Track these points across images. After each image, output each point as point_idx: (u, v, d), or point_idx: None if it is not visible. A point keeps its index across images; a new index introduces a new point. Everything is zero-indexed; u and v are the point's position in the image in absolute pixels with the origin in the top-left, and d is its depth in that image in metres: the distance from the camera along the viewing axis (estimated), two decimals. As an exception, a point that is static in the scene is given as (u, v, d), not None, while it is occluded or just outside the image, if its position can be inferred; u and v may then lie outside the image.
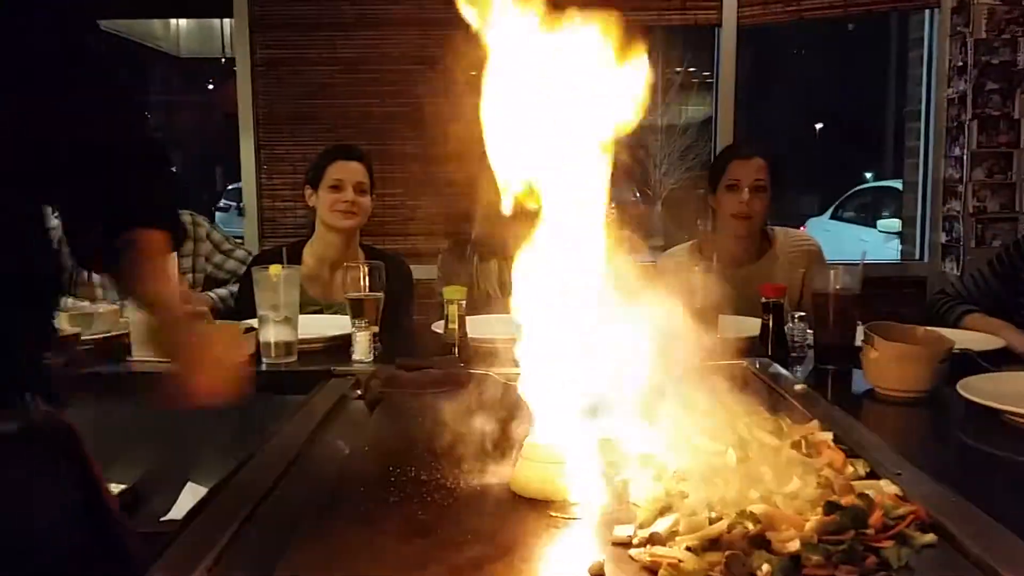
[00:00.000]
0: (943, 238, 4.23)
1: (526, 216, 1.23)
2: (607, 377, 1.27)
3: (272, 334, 2.06)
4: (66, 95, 1.06)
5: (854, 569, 0.92)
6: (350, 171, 2.83)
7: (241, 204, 4.67)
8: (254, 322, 2.14)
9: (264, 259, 2.73)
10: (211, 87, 15.21)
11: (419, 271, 3.16)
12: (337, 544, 1.03)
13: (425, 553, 0.99)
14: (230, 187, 12.93)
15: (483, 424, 1.32)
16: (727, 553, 0.92)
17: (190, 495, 1.54)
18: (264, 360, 2.09)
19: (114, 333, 2.32)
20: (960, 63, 4.03)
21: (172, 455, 1.41)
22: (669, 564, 0.91)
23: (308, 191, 2.89)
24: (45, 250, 1.10)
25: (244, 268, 3.21)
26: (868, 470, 1.20)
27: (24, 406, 1.07)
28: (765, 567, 0.90)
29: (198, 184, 14.44)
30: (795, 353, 2.14)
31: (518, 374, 1.28)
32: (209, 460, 1.53)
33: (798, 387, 1.69)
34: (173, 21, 12.34)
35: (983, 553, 0.94)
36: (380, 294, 2.16)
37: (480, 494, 1.18)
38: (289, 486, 1.20)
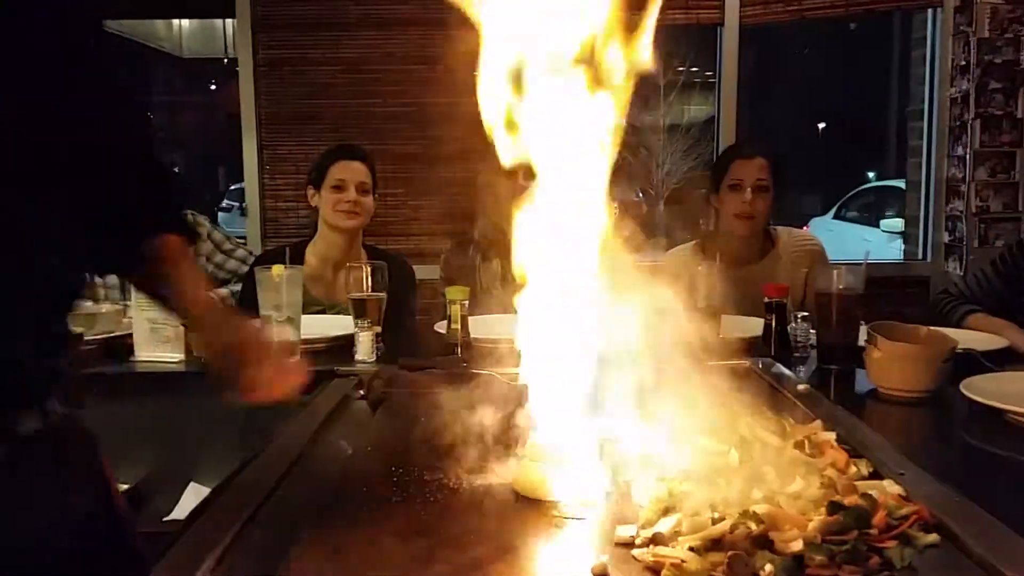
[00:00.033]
0: (946, 238, 4.23)
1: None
2: (608, 376, 1.27)
3: (275, 334, 2.06)
4: (66, 95, 1.06)
5: (857, 569, 0.91)
6: (353, 171, 2.83)
7: (244, 204, 4.67)
8: (256, 322, 2.14)
9: (267, 259, 2.74)
10: (214, 87, 15.21)
11: (422, 271, 3.16)
12: (340, 544, 1.03)
13: (428, 553, 0.99)
14: (233, 187, 12.93)
15: (486, 424, 1.32)
16: (730, 553, 0.92)
17: (193, 495, 1.54)
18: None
19: (117, 333, 2.32)
20: (963, 62, 4.03)
21: (175, 455, 1.41)
22: (672, 564, 0.91)
23: (311, 191, 2.89)
24: (62, 251, 1.10)
25: (245, 268, 3.21)
26: (871, 470, 1.20)
27: (43, 407, 1.08)
28: (768, 567, 0.90)
29: (200, 184, 14.43)
30: (798, 353, 2.14)
31: (521, 374, 1.28)
32: (212, 460, 1.54)
33: (801, 387, 1.69)
34: (175, 21, 12.34)
35: (986, 553, 0.94)
36: (383, 294, 2.16)
37: (483, 494, 1.18)
38: (292, 486, 1.20)
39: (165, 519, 1.67)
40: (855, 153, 14.94)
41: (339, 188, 2.81)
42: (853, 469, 1.20)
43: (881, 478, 1.17)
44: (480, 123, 1.26)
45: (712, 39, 4.40)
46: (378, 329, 2.11)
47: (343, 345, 2.17)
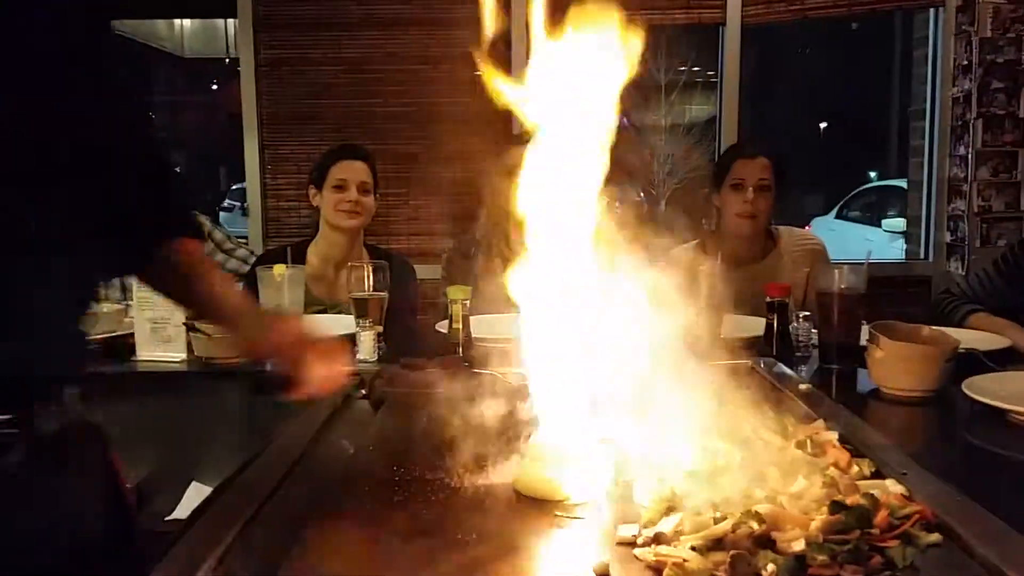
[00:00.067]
0: (948, 237, 4.23)
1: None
2: (610, 375, 1.27)
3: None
4: (66, 95, 1.06)
5: (859, 569, 0.91)
6: (354, 171, 2.84)
7: (245, 204, 4.67)
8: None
9: (268, 259, 2.74)
10: (215, 87, 15.22)
11: (423, 271, 3.16)
12: (341, 544, 1.03)
13: (429, 553, 0.99)
14: (234, 187, 12.93)
15: (487, 424, 1.32)
16: (732, 553, 0.92)
17: (195, 494, 1.54)
18: (268, 360, 2.09)
19: (119, 333, 2.33)
20: (965, 62, 4.02)
21: (176, 454, 1.41)
22: (674, 564, 0.91)
23: (312, 191, 2.89)
24: (70, 251, 1.11)
25: (246, 267, 3.22)
26: (873, 470, 1.20)
27: (60, 407, 1.10)
28: (770, 567, 0.90)
29: (202, 184, 14.44)
30: (800, 352, 2.13)
31: (522, 374, 1.28)
32: (214, 459, 1.53)
33: (803, 386, 1.68)
34: (177, 21, 12.35)
35: (989, 553, 0.94)
36: (384, 294, 2.16)
37: (484, 494, 1.18)
38: (294, 486, 1.20)
39: (167, 519, 1.67)
40: (857, 153, 14.92)
41: (340, 188, 2.81)
42: (855, 469, 1.19)
43: (883, 478, 1.16)
44: (481, 123, 1.26)
45: (713, 39, 4.40)
46: (380, 329, 2.11)
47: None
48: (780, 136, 13.58)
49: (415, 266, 3.05)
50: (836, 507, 1.00)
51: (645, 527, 1.01)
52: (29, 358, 1.05)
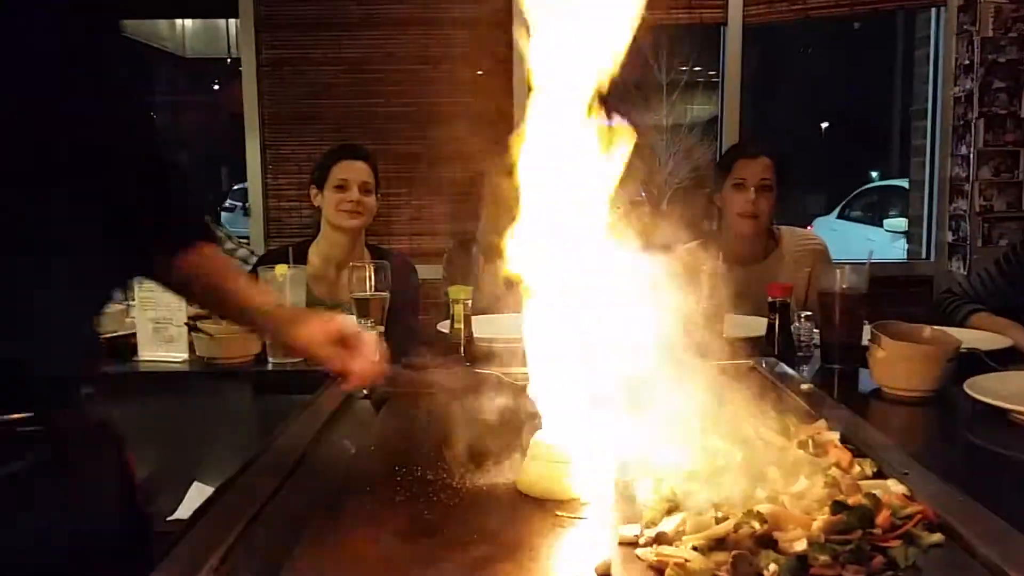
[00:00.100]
0: (950, 237, 4.22)
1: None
2: (612, 374, 1.27)
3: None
4: (66, 95, 1.06)
5: (861, 569, 0.91)
6: (355, 171, 2.84)
7: (247, 204, 4.68)
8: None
9: (270, 259, 2.74)
10: (216, 87, 15.22)
11: (424, 271, 3.16)
12: (343, 544, 1.03)
13: (431, 553, 0.99)
14: (236, 187, 12.93)
15: (489, 423, 1.32)
16: (734, 553, 0.92)
17: (197, 494, 1.54)
18: (270, 360, 2.09)
19: (121, 333, 2.33)
20: (967, 61, 4.02)
21: (178, 454, 1.42)
22: (676, 563, 0.91)
23: (313, 191, 2.89)
24: (80, 252, 1.12)
25: (247, 268, 3.22)
26: (875, 470, 1.20)
27: (79, 407, 1.12)
28: (772, 567, 0.90)
29: (203, 184, 14.44)
30: (801, 352, 2.13)
31: (524, 373, 1.28)
32: (215, 460, 1.54)
33: (804, 386, 1.68)
34: (179, 21, 12.36)
35: (990, 553, 0.94)
36: (386, 294, 2.16)
37: (486, 493, 1.18)
38: (295, 486, 1.20)
39: (168, 518, 1.67)
40: (858, 152, 14.91)
41: (342, 188, 2.81)
42: (857, 468, 1.19)
43: (885, 477, 1.16)
44: (482, 123, 1.26)
45: (715, 38, 4.40)
46: (381, 329, 2.11)
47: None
48: (782, 136, 13.57)
49: (416, 266, 3.05)
50: (838, 507, 1.00)
51: (647, 527, 1.01)
52: (47, 358, 1.06)
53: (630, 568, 0.95)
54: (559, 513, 1.11)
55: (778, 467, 1.15)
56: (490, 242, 2.86)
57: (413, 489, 1.19)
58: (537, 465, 1.18)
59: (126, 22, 1.20)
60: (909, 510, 1.03)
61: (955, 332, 1.92)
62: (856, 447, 1.28)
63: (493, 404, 1.36)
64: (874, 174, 13.62)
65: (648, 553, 0.95)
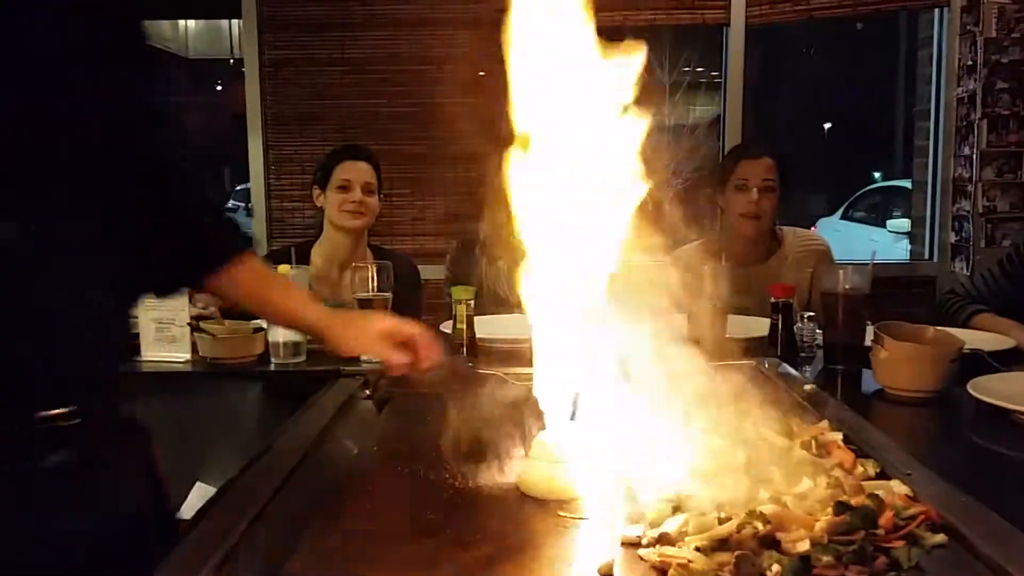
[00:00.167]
0: (953, 238, 4.22)
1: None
2: (614, 375, 1.27)
3: (281, 334, 2.06)
4: (66, 95, 1.06)
5: (864, 569, 0.91)
6: (358, 171, 2.84)
7: (249, 205, 4.68)
8: (263, 322, 2.14)
9: (272, 259, 2.74)
10: (219, 88, 15.24)
11: (427, 271, 3.17)
12: (345, 544, 1.03)
13: (433, 553, 0.99)
14: (238, 188, 12.94)
15: (491, 424, 1.31)
16: (737, 553, 0.92)
17: (199, 494, 1.54)
18: (273, 360, 2.09)
19: (123, 333, 2.33)
20: (969, 62, 4.01)
21: (180, 455, 1.42)
22: (678, 564, 0.91)
23: (316, 191, 2.90)
24: (97, 253, 1.14)
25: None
26: (878, 470, 1.19)
27: (111, 407, 1.16)
28: (775, 567, 0.90)
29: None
30: (804, 353, 2.13)
31: (526, 374, 1.28)
32: (218, 460, 1.54)
33: (807, 387, 1.68)
34: (182, 22, 12.38)
35: (994, 553, 0.94)
36: (388, 294, 2.16)
37: (489, 494, 1.18)
38: (297, 486, 1.20)
39: (171, 519, 1.68)
40: (861, 153, 14.90)
41: (345, 188, 2.81)
42: (860, 469, 1.19)
43: (888, 478, 1.16)
44: (485, 123, 1.26)
45: (717, 39, 4.39)
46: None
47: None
48: (784, 136, 13.57)
49: (419, 266, 3.05)
50: (841, 508, 1.00)
51: (650, 527, 1.01)
52: (82, 355, 1.09)
53: (632, 568, 0.95)
54: (561, 513, 1.11)
55: (781, 468, 1.15)
56: (493, 243, 2.87)
57: (415, 489, 1.19)
58: (539, 465, 1.18)
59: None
60: (912, 511, 1.03)
61: (958, 333, 1.92)
62: (859, 448, 1.27)
63: (495, 404, 1.36)
64: (877, 175, 13.61)
65: (651, 554, 0.95)
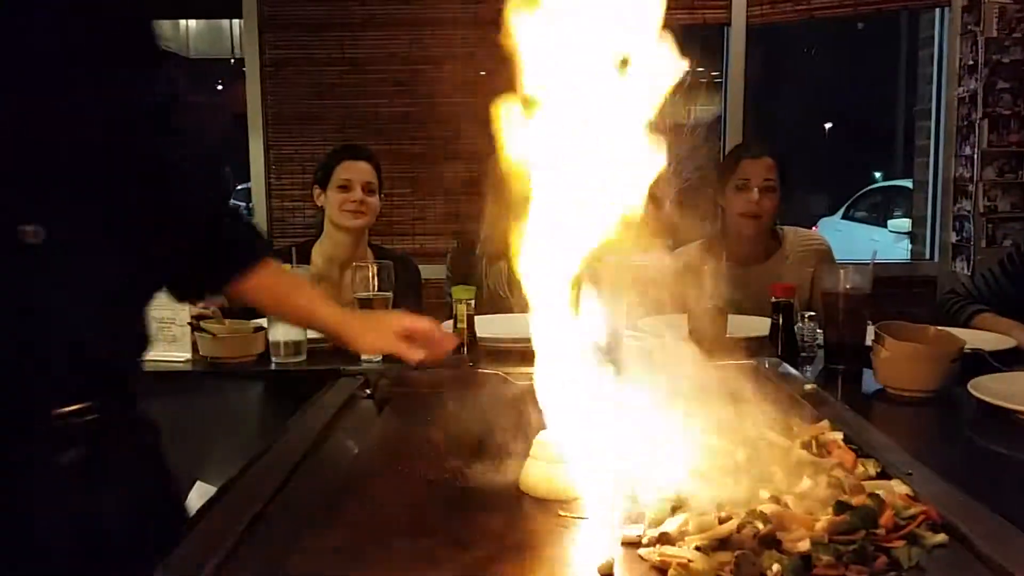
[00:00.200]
0: (953, 238, 4.22)
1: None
2: (615, 374, 1.27)
3: (281, 333, 2.06)
4: (66, 95, 1.06)
5: (865, 569, 0.91)
6: (358, 171, 2.84)
7: (250, 204, 4.68)
8: (263, 321, 2.14)
9: (273, 259, 2.74)
10: (220, 87, 15.23)
11: (427, 271, 3.17)
12: (345, 543, 1.03)
13: (434, 552, 0.99)
14: (239, 187, 12.94)
15: (491, 423, 1.31)
16: (737, 553, 0.92)
17: (199, 494, 1.54)
18: (273, 359, 2.09)
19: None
20: (970, 62, 4.01)
21: (181, 454, 1.42)
22: (679, 564, 0.91)
23: (317, 191, 2.90)
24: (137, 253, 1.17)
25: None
26: (879, 470, 1.19)
27: (128, 403, 1.18)
28: (775, 567, 0.90)
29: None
30: (805, 353, 2.13)
31: (526, 373, 1.28)
32: (218, 459, 1.54)
33: (808, 387, 1.68)
34: (182, 22, 12.38)
35: (994, 553, 0.94)
36: (389, 294, 2.16)
37: (489, 493, 1.18)
38: (298, 485, 1.20)
39: (171, 518, 1.68)
40: (862, 153, 14.90)
41: (345, 188, 2.81)
42: (860, 469, 1.19)
43: (888, 478, 1.16)
44: (485, 123, 1.26)
45: (718, 39, 4.39)
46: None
47: (336, 345, 2.16)
48: (785, 136, 13.56)
49: (419, 266, 3.05)
50: (841, 507, 1.00)
51: (650, 527, 1.01)
52: (101, 353, 1.11)
53: (633, 568, 0.94)
54: (562, 513, 1.10)
55: (781, 467, 1.15)
56: (493, 243, 2.87)
57: (415, 489, 1.19)
58: (540, 465, 1.18)
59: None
60: (912, 510, 1.02)
61: (959, 332, 1.92)
62: (859, 447, 1.27)
63: (495, 404, 1.36)
64: (877, 174, 13.61)
65: (651, 553, 0.95)
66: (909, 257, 5.12)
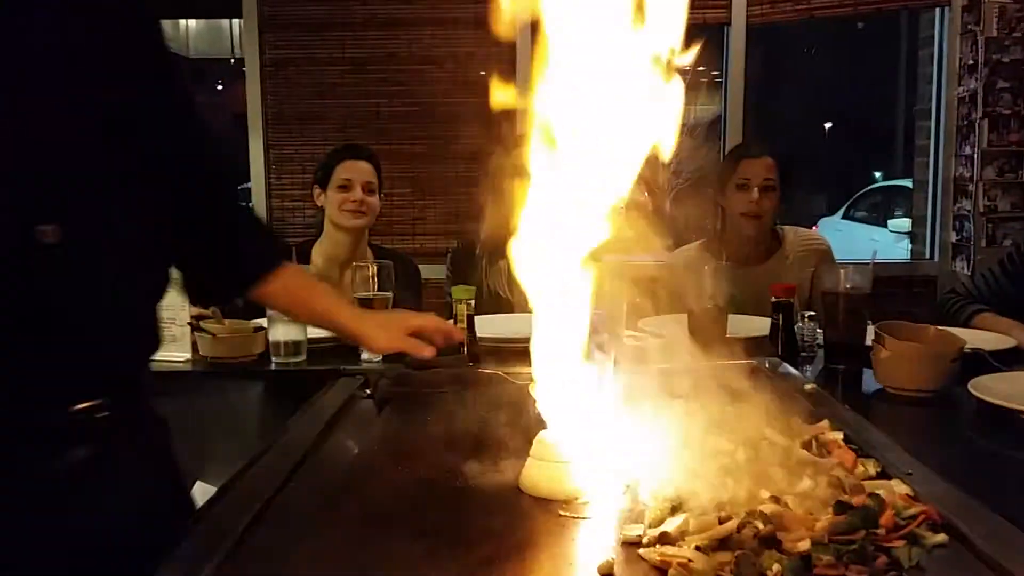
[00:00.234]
0: (953, 237, 4.22)
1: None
2: (615, 374, 1.27)
3: (281, 333, 2.06)
4: (66, 95, 1.06)
5: (865, 569, 0.91)
6: (359, 171, 2.84)
7: (250, 204, 4.68)
8: (263, 321, 2.14)
9: (273, 259, 2.74)
10: (220, 87, 15.24)
11: (427, 271, 3.17)
12: (346, 543, 1.03)
13: (434, 552, 0.99)
14: (239, 187, 12.96)
15: (492, 423, 1.31)
16: (737, 553, 0.92)
17: (199, 494, 1.54)
18: (273, 359, 2.09)
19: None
20: (970, 61, 4.01)
21: (181, 454, 1.42)
22: (679, 564, 0.91)
23: (317, 191, 2.90)
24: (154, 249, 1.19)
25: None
26: (879, 470, 1.19)
27: (138, 400, 1.19)
28: (775, 567, 0.90)
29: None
30: (805, 352, 2.13)
31: (526, 373, 1.28)
32: (218, 459, 1.54)
33: (808, 387, 1.68)
34: (183, 22, 12.39)
35: (994, 553, 0.94)
36: (389, 294, 2.16)
37: (489, 493, 1.18)
38: (298, 485, 1.20)
39: (171, 518, 1.68)
40: (862, 153, 14.90)
41: (345, 188, 2.81)
42: (860, 469, 1.19)
43: (889, 478, 1.16)
44: (486, 123, 1.26)
45: (718, 38, 4.39)
46: (384, 328, 2.11)
47: (349, 344, 2.16)
48: (785, 136, 13.57)
49: (420, 266, 3.05)
50: (841, 507, 1.00)
51: (650, 527, 1.00)
52: (115, 351, 1.13)
53: (633, 568, 0.94)
54: (562, 513, 1.10)
55: (781, 467, 1.15)
56: (493, 243, 2.87)
57: (415, 489, 1.19)
58: (540, 465, 1.18)
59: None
60: (913, 510, 1.02)
61: (959, 332, 1.92)
62: (860, 447, 1.27)
63: (496, 404, 1.36)
64: (877, 174, 13.61)
65: (651, 553, 0.95)
66: (909, 257, 5.12)
